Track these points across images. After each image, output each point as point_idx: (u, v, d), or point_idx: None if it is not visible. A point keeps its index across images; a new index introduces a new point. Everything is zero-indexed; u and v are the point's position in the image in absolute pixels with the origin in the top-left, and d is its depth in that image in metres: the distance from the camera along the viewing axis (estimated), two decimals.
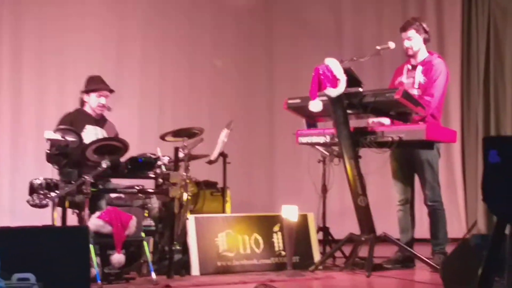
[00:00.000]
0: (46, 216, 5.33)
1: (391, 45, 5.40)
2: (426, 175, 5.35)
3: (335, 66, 5.09)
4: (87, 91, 5.51)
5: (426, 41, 5.48)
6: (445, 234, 5.42)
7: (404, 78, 5.50)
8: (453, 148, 7.67)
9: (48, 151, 4.85)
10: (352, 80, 5.15)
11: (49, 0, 7.25)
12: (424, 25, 5.49)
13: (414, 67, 5.47)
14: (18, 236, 3.72)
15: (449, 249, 5.36)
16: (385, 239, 5.24)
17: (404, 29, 5.47)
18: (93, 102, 5.48)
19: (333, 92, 5.08)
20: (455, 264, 3.91)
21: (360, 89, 5.19)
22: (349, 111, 5.25)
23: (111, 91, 5.55)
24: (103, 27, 7.41)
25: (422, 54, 5.46)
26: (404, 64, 5.56)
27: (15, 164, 7.06)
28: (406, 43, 5.45)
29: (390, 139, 5.12)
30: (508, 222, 2.98)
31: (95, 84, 5.52)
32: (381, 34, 7.75)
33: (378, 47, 5.38)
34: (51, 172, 4.92)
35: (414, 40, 5.43)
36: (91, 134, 5.35)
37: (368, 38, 7.91)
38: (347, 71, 5.12)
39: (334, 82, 5.07)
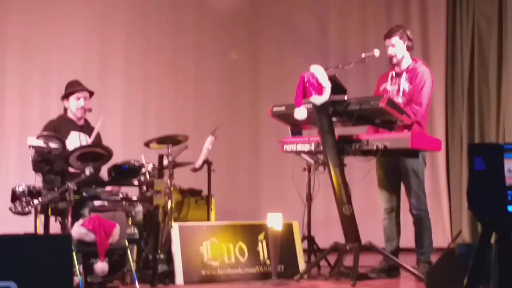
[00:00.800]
0: (28, 223, 5.28)
1: (376, 52, 5.40)
2: (411, 183, 5.34)
3: (320, 73, 5.08)
4: (65, 96, 5.49)
5: (409, 48, 5.48)
6: (430, 243, 5.41)
7: (388, 85, 5.50)
8: (438, 156, 7.68)
9: (32, 158, 4.80)
10: (337, 88, 5.14)
11: (33, 3, 7.18)
12: (408, 33, 5.50)
13: (398, 74, 5.47)
14: (0, 244, 3.65)
15: (434, 258, 5.36)
16: (370, 248, 5.23)
17: (388, 36, 5.48)
18: (72, 106, 5.44)
19: (318, 99, 5.07)
20: (441, 273, 3.91)
21: (345, 97, 5.18)
22: (334, 119, 5.24)
23: (89, 92, 5.51)
24: (86, 32, 7.35)
25: (406, 61, 5.46)
26: (389, 71, 5.56)
27: None
28: (390, 50, 5.45)
29: (375, 147, 5.11)
30: (494, 230, 2.97)
31: (71, 87, 5.50)
32: (366, 41, 7.77)
33: (363, 55, 5.38)
34: (34, 179, 4.86)
35: (398, 47, 5.43)
36: (75, 140, 5.31)
37: (352, 45, 7.92)
38: (332, 79, 5.12)
39: (319, 89, 5.06)
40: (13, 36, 7.10)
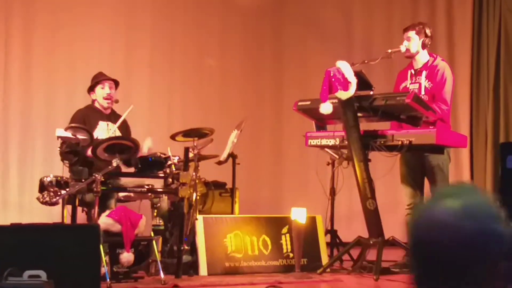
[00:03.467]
0: (54, 214, 5.36)
1: (402, 48, 5.41)
2: (436, 179, 5.34)
3: (346, 69, 5.08)
4: (91, 87, 5.54)
5: (425, 45, 5.46)
6: None
7: (408, 84, 5.49)
8: (462, 153, 7.64)
9: (60, 149, 4.87)
10: (363, 83, 5.15)
11: None
12: (427, 30, 5.47)
13: (418, 72, 5.46)
14: (29, 233, 3.73)
15: None
16: (393, 243, 5.23)
17: (406, 29, 5.49)
18: (99, 95, 5.49)
19: (343, 95, 5.07)
20: None
21: (371, 92, 5.19)
22: (359, 114, 5.24)
23: (115, 81, 5.56)
24: (112, 25, 7.41)
25: (423, 58, 5.45)
26: (407, 69, 5.56)
27: (23, 160, 7.07)
28: (404, 43, 5.45)
29: (400, 143, 5.11)
30: None
31: (96, 78, 5.56)
32: (391, 37, 7.73)
33: (389, 50, 5.38)
34: (62, 170, 4.93)
35: (412, 42, 5.42)
36: (104, 130, 5.36)
37: (377, 41, 7.89)
38: (358, 74, 5.12)
39: (345, 85, 5.07)
40: (40, 26, 7.17)
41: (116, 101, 5.52)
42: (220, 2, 7.89)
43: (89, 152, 4.94)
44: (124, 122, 5.56)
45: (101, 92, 5.48)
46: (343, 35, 8.09)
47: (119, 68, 7.05)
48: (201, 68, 7.76)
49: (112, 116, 5.53)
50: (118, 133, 5.42)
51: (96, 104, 5.54)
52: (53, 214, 5.45)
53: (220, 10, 7.87)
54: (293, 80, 7.94)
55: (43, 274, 3.44)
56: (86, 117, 5.35)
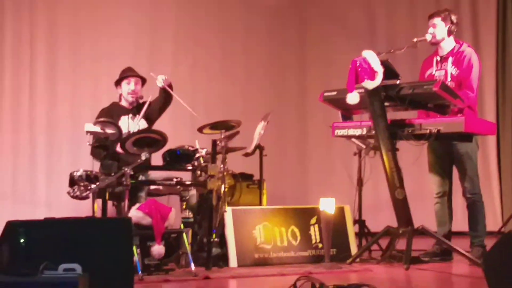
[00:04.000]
0: (81, 208, 5.40)
1: (428, 37, 5.39)
2: (466, 167, 5.31)
3: (372, 58, 5.07)
4: (117, 82, 5.59)
5: (451, 32, 5.41)
6: (484, 227, 5.39)
7: (434, 71, 5.46)
8: (488, 140, 7.60)
9: (90, 144, 4.90)
10: (390, 72, 5.13)
11: None
12: (453, 17, 5.43)
13: (443, 59, 5.42)
14: (64, 227, 3.75)
15: (487, 242, 5.34)
16: (422, 232, 5.21)
17: (431, 16, 5.45)
18: (124, 90, 5.53)
19: (370, 84, 5.06)
20: (498, 257, 3.87)
21: (398, 81, 5.17)
22: (386, 104, 5.22)
23: (141, 77, 5.59)
24: (136, 20, 7.44)
25: (449, 45, 5.41)
26: (433, 56, 5.52)
27: (50, 156, 7.13)
28: (430, 30, 5.41)
29: (428, 131, 5.09)
30: None
31: (123, 73, 5.60)
32: (415, 26, 7.69)
33: (415, 39, 5.35)
34: (92, 164, 4.97)
35: (438, 28, 5.38)
36: (124, 125, 5.38)
37: (400, 35, 7.83)
38: (385, 63, 5.10)
39: (371, 74, 5.05)
40: (64, 25, 7.22)
41: (141, 97, 5.54)
42: None
43: (118, 148, 4.98)
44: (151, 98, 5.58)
45: (126, 87, 5.53)
46: (366, 22, 8.05)
47: (142, 63, 7.06)
48: (225, 65, 7.75)
49: (136, 109, 5.56)
50: (143, 125, 5.45)
51: (122, 100, 5.57)
52: (80, 209, 5.49)
53: (244, 6, 7.85)
54: (317, 69, 7.91)
55: (78, 268, 3.46)
56: (109, 114, 5.38)
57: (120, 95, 5.60)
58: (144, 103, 5.47)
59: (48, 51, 7.18)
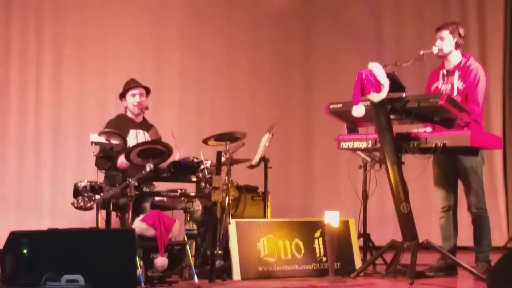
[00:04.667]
0: (86, 218, 5.39)
1: (435, 50, 5.36)
2: (471, 181, 5.28)
3: (378, 70, 5.05)
4: (122, 94, 5.58)
5: (458, 46, 5.39)
6: (489, 242, 5.35)
7: (440, 84, 5.44)
8: (495, 154, 7.57)
9: (95, 155, 4.90)
10: (396, 85, 5.11)
11: (88, 6, 7.31)
12: (461, 30, 5.41)
13: (450, 72, 5.40)
14: (67, 238, 3.75)
15: (492, 257, 5.30)
16: (427, 247, 5.16)
17: (439, 29, 5.43)
18: (129, 103, 5.53)
19: (376, 97, 5.04)
20: (503, 272, 3.85)
21: (403, 94, 5.15)
22: (392, 117, 5.20)
23: (145, 88, 5.59)
24: (141, 31, 7.46)
25: (456, 58, 5.39)
26: (439, 69, 5.50)
27: (55, 166, 7.14)
28: (437, 43, 5.38)
29: (433, 145, 5.06)
30: None
31: (127, 85, 5.60)
32: (422, 37, 7.69)
33: (421, 52, 5.33)
34: (96, 175, 4.96)
35: (446, 41, 5.36)
36: (133, 138, 5.39)
37: (407, 39, 7.85)
38: (391, 76, 5.08)
39: (377, 87, 5.03)
40: (70, 38, 7.25)
41: (147, 108, 5.55)
42: (249, 2, 7.88)
43: (119, 163, 4.97)
44: (154, 129, 5.59)
45: (132, 99, 5.52)
46: (372, 33, 8.05)
47: (148, 75, 7.07)
48: (230, 71, 7.76)
49: (144, 124, 5.56)
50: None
51: (128, 112, 5.57)
52: (85, 219, 5.48)
53: (250, 10, 7.87)
54: (323, 80, 7.92)
55: (80, 279, 3.46)
56: (118, 126, 5.36)
57: (126, 107, 5.59)
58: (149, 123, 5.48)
59: (55, 63, 7.20)
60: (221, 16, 7.78)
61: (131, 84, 5.59)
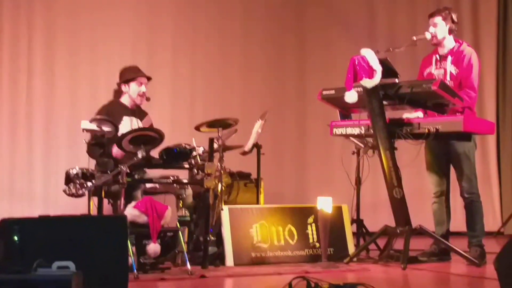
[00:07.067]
0: (79, 205, 5.38)
1: (428, 35, 5.35)
2: (463, 167, 5.28)
3: (371, 56, 5.04)
4: (126, 81, 5.45)
5: (451, 31, 5.37)
6: (482, 227, 5.35)
7: (433, 69, 5.43)
8: (488, 139, 7.57)
9: (86, 142, 4.87)
10: (388, 71, 5.10)
11: None
12: (453, 16, 5.39)
13: (443, 57, 5.39)
14: (58, 225, 3.72)
15: (485, 242, 5.31)
16: (420, 232, 5.18)
17: (432, 15, 5.42)
18: (133, 91, 5.42)
19: (369, 83, 5.03)
20: (511, 257, 3.82)
21: (396, 80, 5.14)
22: (384, 102, 5.19)
23: (149, 78, 5.53)
24: (134, 19, 7.42)
25: (449, 43, 5.37)
26: (432, 54, 5.48)
27: (48, 154, 7.12)
28: (431, 29, 5.37)
29: (426, 130, 5.06)
30: None
31: (133, 73, 5.46)
32: (414, 23, 7.67)
33: (414, 38, 5.32)
34: (88, 162, 4.94)
35: (439, 27, 5.34)
36: (128, 125, 5.35)
37: (400, 26, 7.83)
38: (383, 62, 5.07)
39: (370, 73, 5.02)
40: (62, 26, 7.20)
41: (148, 99, 5.45)
42: None
43: (114, 152, 4.95)
44: (147, 117, 5.54)
45: (136, 89, 5.41)
46: (365, 20, 8.02)
47: (141, 60, 7.00)
48: (224, 58, 7.73)
49: (137, 111, 5.50)
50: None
51: (123, 99, 5.47)
52: (78, 206, 5.46)
53: (243, 8, 7.82)
54: (316, 68, 7.90)
55: (71, 265, 3.44)
56: (111, 112, 5.29)
57: (123, 92, 5.49)
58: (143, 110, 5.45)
59: (46, 51, 7.16)
60: (215, 3, 7.74)
61: (138, 73, 5.46)
